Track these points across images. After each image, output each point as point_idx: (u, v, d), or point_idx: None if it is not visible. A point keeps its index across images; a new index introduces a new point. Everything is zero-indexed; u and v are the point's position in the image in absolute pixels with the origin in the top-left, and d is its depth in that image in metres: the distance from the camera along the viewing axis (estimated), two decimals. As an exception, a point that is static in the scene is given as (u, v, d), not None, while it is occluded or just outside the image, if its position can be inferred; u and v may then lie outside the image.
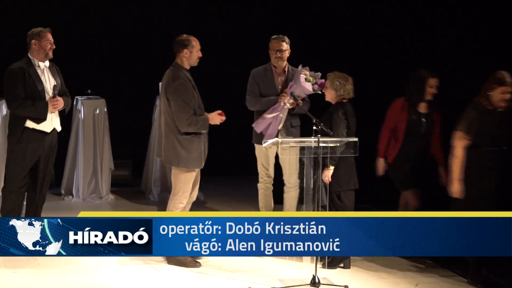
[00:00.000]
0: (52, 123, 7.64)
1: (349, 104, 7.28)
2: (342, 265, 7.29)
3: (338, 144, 6.81)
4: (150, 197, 10.14)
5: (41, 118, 7.52)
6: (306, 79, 7.50)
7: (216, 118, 7.22)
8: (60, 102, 7.60)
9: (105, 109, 9.98)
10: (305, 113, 7.14)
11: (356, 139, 6.79)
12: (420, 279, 7.06)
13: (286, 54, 7.81)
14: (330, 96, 7.30)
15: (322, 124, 6.77)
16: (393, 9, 9.73)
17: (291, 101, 7.52)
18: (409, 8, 9.71)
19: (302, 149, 6.98)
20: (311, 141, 6.75)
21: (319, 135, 6.70)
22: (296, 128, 7.87)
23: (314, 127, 6.75)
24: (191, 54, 7.19)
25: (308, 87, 7.52)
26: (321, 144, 6.70)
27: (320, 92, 7.51)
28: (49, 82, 7.63)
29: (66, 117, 9.82)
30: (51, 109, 7.54)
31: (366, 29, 9.84)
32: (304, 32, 9.66)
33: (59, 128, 7.76)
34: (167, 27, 11.06)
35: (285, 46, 7.79)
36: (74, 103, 10.02)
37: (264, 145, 7.12)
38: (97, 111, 9.95)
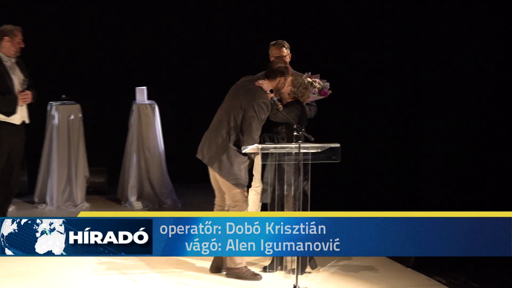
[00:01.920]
0: (21, 116, 8.06)
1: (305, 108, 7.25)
2: (309, 271, 7.17)
3: (319, 150, 6.72)
4: (126, 205, 9.95)
5: (10, 112, 7.94)
6: (309, 83, 7.40)
7: None
8: (30, 96, 8.03)
9: (80, 115, 9.82)
10: (286, 118, 7.03)
11: (338, 145, 6.68)
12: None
13: (287, 59, 7.69)
14: (285, 90, 7.20)
15: (303, 129, 6.69)
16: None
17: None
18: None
19: (282, 155, 6.88)
20: (292, 147, 6.64)
21: (300, 141, 6.59)
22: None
23: (295, 133, 6.65)
24: (285, 81, 7.10)
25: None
26: (302, 150, 6.57)
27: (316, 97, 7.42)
28: (18, 76, 8.03)
29: (39, 123, 9.73)
30: (20, 102, 7.98)
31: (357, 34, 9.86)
32: (300, 36, 9.61)
33: (27, 121, 8.15)
34: (144, 32, 11.02)
35: (285, 51, 7.65)
36: (48, 108, 9.91)
37: (243, 151, 6.99)
38: (72, 117, 9.78)
